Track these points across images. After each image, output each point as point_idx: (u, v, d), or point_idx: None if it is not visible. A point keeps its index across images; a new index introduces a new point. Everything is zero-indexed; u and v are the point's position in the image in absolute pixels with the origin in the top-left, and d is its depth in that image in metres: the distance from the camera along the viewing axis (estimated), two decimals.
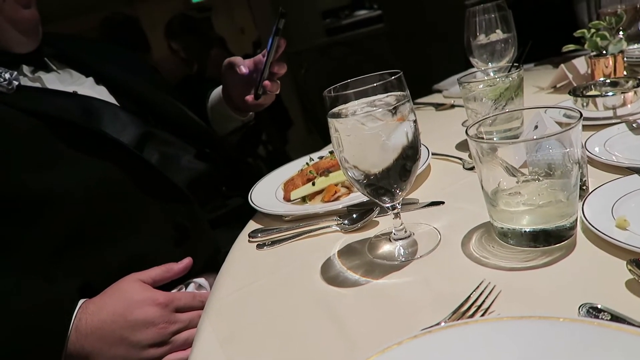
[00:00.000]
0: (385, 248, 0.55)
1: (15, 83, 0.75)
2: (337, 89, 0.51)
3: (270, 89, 0.89)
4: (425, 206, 0.63)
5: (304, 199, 0.74)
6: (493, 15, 0.97)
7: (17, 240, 0.68)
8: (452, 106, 1.13)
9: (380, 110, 0.47)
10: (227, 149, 0.95)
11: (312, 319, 0.46)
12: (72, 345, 0.61)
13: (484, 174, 0.49)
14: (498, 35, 0.99)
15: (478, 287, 0.43)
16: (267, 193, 0.79)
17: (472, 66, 1.26)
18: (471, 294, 0.42)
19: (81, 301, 0.65)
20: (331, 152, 0.84)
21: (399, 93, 0.49)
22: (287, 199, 0.75)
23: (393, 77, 0.48)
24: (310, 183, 0.74)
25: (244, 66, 0.91)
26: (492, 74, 0.85)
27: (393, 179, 0.49)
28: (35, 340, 0.61)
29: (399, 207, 0.53)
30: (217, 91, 1.06)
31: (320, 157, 0.84)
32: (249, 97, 0.91)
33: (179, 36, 2.55)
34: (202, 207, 0.82)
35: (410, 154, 0.48)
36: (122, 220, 0.74)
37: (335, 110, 0.50)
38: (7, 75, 0.74)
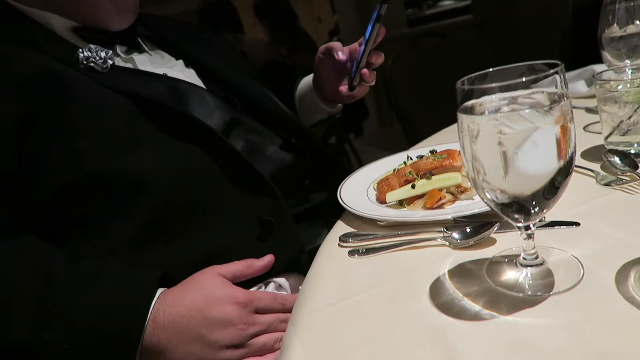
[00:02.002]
0: (510, 274, 0.46)
1: (110, 62, 0.73)
2: (474, 81, 0.42)
3: (367, 80, 0.82)
4: (554, 225, 0.53)
5: (401, 203, 0.66)
6: (635, 3, 0.82)
7: (99, 223, 0.66)
8: None
9: (529, 109, 0.38)
10: (313, 139, 0.89)
11: (423, 355, 0.38)
12: (149, 337, 0.58)
13: None
14: (637, 27, 0.84)
15: None
16: (357, 192, 0.72)
17: (585, 62, 1.11)
18: None
19: (159, 291, 0.62)
20: (432, 152, 0.75)
21: (551, 89, 0.40)
22: (381, 200, 0.68)
23: (553, 70, 0.38)
24: (410, 185, 0.66)
25: (342, 52, 0.84)
26: (629, 72, 0.72)
27: (536, 196, 0.40)
28: (113, 327, 0.59)
29: (533, 228, 0.44)
30: (306, 81, 1.00)
31: (420, 157, 0.75)
32: (343, 88, 0.85)
33: (264, 18, 2.54)
34: (286, 201, 0.76)
35: (563, 166, 0.39)
36: (204, 208, 0.70)
37: (468, 104, 0.41)
38: (102, 54, 0.73)
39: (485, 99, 0.41)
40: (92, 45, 0.74)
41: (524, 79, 0.39)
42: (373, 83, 0.85)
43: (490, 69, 0.42)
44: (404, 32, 3.69)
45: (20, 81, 0.65)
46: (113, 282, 0.61)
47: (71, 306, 0.58)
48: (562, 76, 0.39)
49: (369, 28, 0.80)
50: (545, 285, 0.43)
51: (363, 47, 0.80)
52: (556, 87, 0.40)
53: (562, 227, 0.52)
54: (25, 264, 0.60)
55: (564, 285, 0.42)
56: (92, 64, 0.72)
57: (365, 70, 0.81)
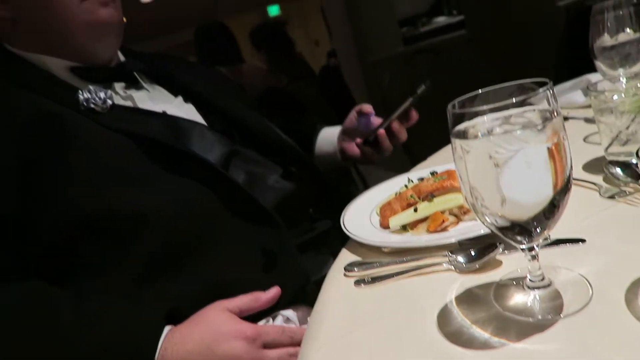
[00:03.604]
0: (518, 298, 0.45)
1: (109, 102, 0.74)
2: (464, 103, 0.42)
3: (383, 143, 0.89)
4: (559, 243, 0.52)
5: (404, 227, 0.65)
6: (623, 12, 0.82)
7: (104, 261, 0.67)
8: (566, 118, 0.99)
9: (525, 129, 0.38)
10: (315, 167, 0.89)
11: None
12: None
13: None
14: (628, 35, 0.85)
15: None
16: (360, 218, 0.72)
17: (580, 72, 1.11)
18: None
19: (166, 329, 0.62)
20: (433, 173, 0.74)
21: (542, 107, 0.40)
22: (384, 226, 0.67)
23: (542, 89, 0.38)
24: (412, 209, 0.65)
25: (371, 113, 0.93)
26: (623, 81, 0.72)
27: (537, 217, 0.39)
28: None
29: (537, 249, 0.43)
30: (328, 135, 1.04)
31: (421, 179, 0.75)
32: (358, 140, 0.91)
33: (261, 47, 2.57)
34: (289, 231, 0.76)
35: (561, 184, 0.38)
36: (208, 243, 0.70)
37: (461, 127, 0.41)
38: (102, 95, 0.74)
39: (477, 120, 0.41)
40: (91, 87, 0.75)
41: (513, 100, 0.39)
42: (388, 153, 0.90)
43: (480, 90, 0.42)
44: (399, 51, 3.73)
45: (21, 125, 0.66)
46: (119, 322, 0.61)
47: (78, 348, 0.58)
48: (552, 93, 0.39)
49: (409, 101, 0.89)
50: (555, 308, 0.42)
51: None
52: (548, 105, 0.40)
53: (567, 244, 0.51)
54: (32, 308, 0.61)
55: (574, 307, 0.41)
56: (92, 105, 0.73)
57: (382, 131, 0.88)
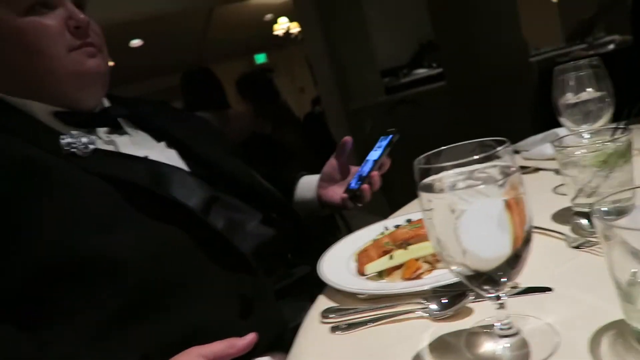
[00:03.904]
0: (487, 347, 0.46)
1: (92, 147, 0.75)
2: (430, 159, 0.45)
3: (366, 196, 0.93)
4: (528, 292, 0.54)
5: (380, 274, 0.67)
6: (584, 73, 0.89)
7: (76, 306, 0.66)
8: (537, 169, 1.04)
9: (485, 184, 0.40)
10: (295, 214, 0.91)
11: None
12: None
13: (615, 259, 0.40)
14: (589, 94, 0.91)
15: None
16: (338, 264, 0.73)
17: (552, 125, 1.17)
18: None
19: None
20: (409, 221, 0.77)
21: (504, 163, 0.43)
22: (361, 272, 0.68)
23: (501, 147, 0.41)
24: (388, 256, 0.67)
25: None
26: (586, 137, 0.77)
27: (501, 267, 0.41)
28: None
29: (504, 297, 0.45)
30: (307, 183, 1.07)
31: (397, 226, 0.77)
32: (344, 196, 0.94)
33: (247, 95, 2.63)
34: (267, 277, 0.76)
35: (523, 235, 0.41)
36: (184, 288, 0.70)
37: (427, 181, 0.44)
38: (84, 140, 0.75)
39: (443, 174, 0.43)
40: (74, 132, 0.76)
41: (475, 157, 0.42)
42: (369, 199, 0.94)
43: (444, 147, 0.45)
44: (381, 100, 3.86)
45: (0, 168, 0.67)
46: None
47: None
48: (510, 151, 0.42)
49: (380, 152, 0.95)
50: (522, 356, 0.43)
51: (370, 165, 0.94)
52: (507, 161, 0.42)
53: (535, 293, 0.53)
54: None
55: (540, 355, 0.43)
56: (73, 149, 0.74)
57: (366, 186, 0.92)
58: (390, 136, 0.96)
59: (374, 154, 0.97)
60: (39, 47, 0.76)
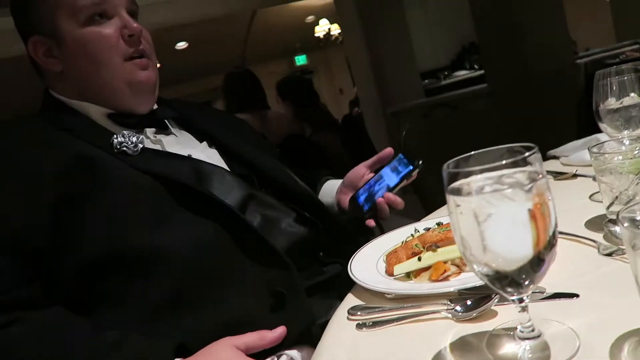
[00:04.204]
0: (509, 348, 0.47)
1: (140, 146, 0.81)
2: (459, 163, 0.46)
3: (381, 211, 0.92)
4: (554, 297, 0.54)
5: (408, 275, 0.68)
6: (627, 77, 0.86)
7: (122, 295, 0.71)
8: (575, 176, 1.02)
9: (511, 189, 0.42)
10: (329, 214, 0.93)
11: None
12: None
13: None
14: (632, 99, 0.88)
15: None
16: (367, 264, 0.75)
17: (596, 130, 1.14)
18: None
19: None
20: (439, 224, 0.78)
21: (531, 169, 0.44)
22: (389, 273, 0.70)
23: (528, 153, 0.42)
24: (416, 258, 0.68)
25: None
26: (627, 144, 0.75)
27: (523, 269, 0.42)
28: None
29: (527, 300, 0.46)
30: (329, 187, 1.08)
31: (427, 229, 0.78)
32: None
33: (287, 97, 2.68)
34: (299, 274, 0.79)
35: (547, 240, 0.42)
36: (220, 282, 0.74)
37: (455, 185, 0.45)
38: (134, 139, 0.81)
39: (472, 179, 0.45)
40: (125, 131, 0.82)
41: (503, 162, 0.43)
42: (386, 216, 0.94)
43: (473, 152, 0.46)
44: (419, 102, 3.83)
45: (60, 165, 0.73)
46: (132, 352, 0.64)
47: None
48: (538, 157, 0.43)
49: (396, 179, 0.93)
50: (542, 359, 0.44)
51: (383, 191, 0.93)
52: (535, 167, 0.43)
53: (561, 299, 0.53)
54: (54, 332, 0.65)
55: (560, 358, 0.43)
56: (124, 148, 0.80)
57: (380, 199, 0.92)
58: (411, 167, 0.92)
59: (390, 177, 0.95)
60: (98, 55, 0.83)
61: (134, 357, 0.64)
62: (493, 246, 0.42)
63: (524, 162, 0.43)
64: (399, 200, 0.92)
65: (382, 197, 0.92)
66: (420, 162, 0.92)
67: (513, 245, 0.42)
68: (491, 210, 0.42)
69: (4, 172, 0.72)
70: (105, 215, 0.72)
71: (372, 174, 1.00)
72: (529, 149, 0.44)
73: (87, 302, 0.71)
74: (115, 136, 0.81)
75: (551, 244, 0.43)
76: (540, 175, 0.43)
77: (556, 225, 0.43)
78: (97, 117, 0.87)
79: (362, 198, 0.96)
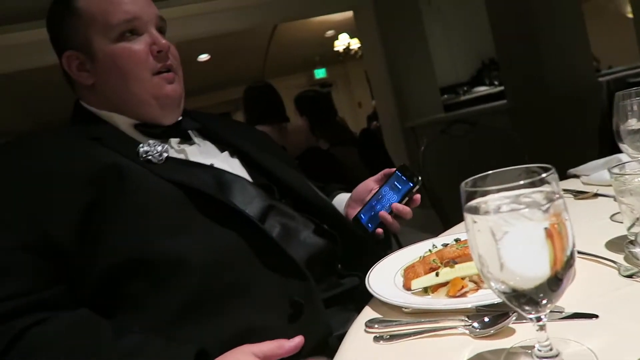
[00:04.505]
0: None
1: (165, 155, 0.84)
2: (476, 182, 0.47)
3: (389, 226, 0.93)
4: (572, 317, 0.54)
5: (425, 290, 0.69)
6: None
7: (143, 301, 0.73)
8: (595, 195, 1.01)
9: (528, 208, 0.42)
10: (347, 226, 0.95)
11: None
12: None
13: None
14: None
15: None
16: (385, 278, 0.76)
17: (618, 149, 1.13)
18: None
19: None
20: (457, 240, 0.78)
21: (548, 189, 0.44)
22: (407, 287, 0.71)
23: (545, 174, 0.43)
24: (434, 273, 0.69)
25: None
26: None
27: (541, 288, 0.43)
28: None
29: (544, 319, 0.46)
30: (339, 204, 1.10)
31: (445, 244, 0.79)
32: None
33: (304, 112, 2.71)
34: (317, 285, 0.80)
35: (564, 259, 0.42)
36: (239, 290, 0.76)
37: (473, 203, 0.46)
38: (159, 148, 0.84)
39: (489, 197, 0.46)
40: (151, 141, 0.85)
41: (521, 182, 0.44)
42: (396, 229, 0.95)
43: (490, 172, 0.47)
44: (438, 118, 3.83)
45: (89, 172, 0.76)
46: (154, 357, 0.66)
47: None
48: (555, 178, 0.44)
49: (397, 196, 0.94)
50: None
51: (386, 209, 0.93)
52: (552, 187, 0.44)
53: (580, 319, 0.53)
54: (80, 330, 0.67)
55: None
56: (149, 157, 0.83)
57: (383, 212, 0.93)
58: (411, 184, 0.92)
59: (391, 194, 0.95)
60: (128, 70, 0.87)
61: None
62: (510, 264, 0.42)
63: (541, 182, 0.44)
64: (407, 210, 0.93)
65: (389, 211, 0.93)
66: (419, 178, 0.93)
67: (530, 264, 0.42)
68: (508, 229, 0.43)
69: (37, 177, 0.75)
70: (130, 222, 0.74)
71: (375, 190, 1.02)
72: (546, 170, 0.45)
73: (109, 306, 0.73)
74: (141, 145, 0.84)
75: (569, 264, 0.43)
76: (557, 196, 0.44)
77: (574, 245, 0.44)
78: (125, 127, 0.90)
79: (365, 218, 0.98)
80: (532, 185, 0.44)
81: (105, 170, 0.77)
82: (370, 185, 1.04)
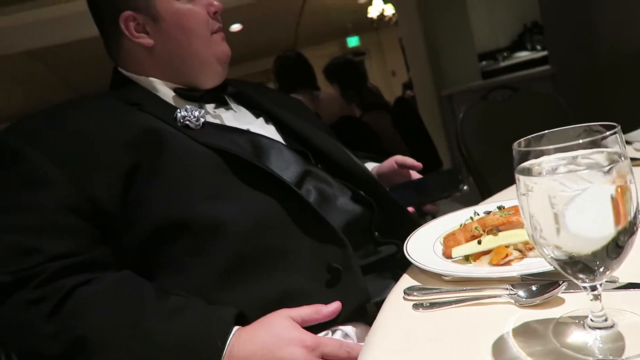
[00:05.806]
0: (578, 336, 0.45)
1: (202, 120, 0.83)
2: (530, 142, 0.44)
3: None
4: (627, 288, 0.51)
5: (467, 258, 0.67)
6: None
7: (184, 263, 0.74)
8: None
9: (588, 170, 0.39)
10: (384, 193, 0.93)
11: None
12: None
13: None
14: None
15: None
16: (424, 246, 0.74)
17: None
18: None
19: (235, 328, 0.68)
20: (500, 208, 0.75)
21: (610, 150, 0.41)
22: (447, 255, 0.69)
23: (609, 133, 0.40)
24: (476, 241, 0.67)
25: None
26: None
27: (598, 255, 0.40)
28: (193, 357, 0.65)
29: (600, 288, 0.44)
30: None
31: (487, 212, 0.76)
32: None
33: (334, 81, 2.68)
34: (354, 252, 0.80)
35: (626, 226, 0.39)
36: (277, 255, 0.76)
37: (526, 165, 0.43)
38: (196, 113, 0.83)
39: (543, 159, 0.43)
40: (188, 106, 0.85)
41: (580, 141, 0.40)
42: None
43: (546, 131, 0.44)
44: (476, 85, 3.69)
45: (130, 136, 0.77)
46: (195, 317, 0.68)
47: (157, 335, 0.65)
48: (620, 137, 0.40)
49: (444, 194, 0.94)
50: (616, 350, 0.42)
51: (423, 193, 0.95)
52: (615, 148, 0.41)
53: (635, 289, 0.50)
54: (125, 289, 0.69)
55: (636, 350, 0.41)
56: (187, 122, 0.83)
57: (411, 208, 0.96)
58: (456, 188, 0.93)
59: (433, 188, 0.96)
60: (194, 28, 0.89)
61: (197, 322, 0.67)
62: (567, 229, 0.40)
63: (604, 142, 0.40)
64: (436, 209, 0.96)
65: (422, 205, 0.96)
66: (465, 187, 0.92)
67: (588, 229, 0.40)
68: (566, 191, 0.40)
69: (80, 141, 0.76)
70: (170, 186, 0.75)
71: (408, 171, 1.03)
72: (609, 127, 0.41)
73: (151, 269, 0.75)
74: (178, 110, 0.84)
75: (631, 231, 0.40)
76: (622, 157, 0.40)
77: (637, 211, 0.40)
78: (163, 93, 0.90)
79: (399, 194, 0.98)
80: (592, 144, 0.40)
81: (144, 134, 0.77)
82: (391, 163, 1.06)
